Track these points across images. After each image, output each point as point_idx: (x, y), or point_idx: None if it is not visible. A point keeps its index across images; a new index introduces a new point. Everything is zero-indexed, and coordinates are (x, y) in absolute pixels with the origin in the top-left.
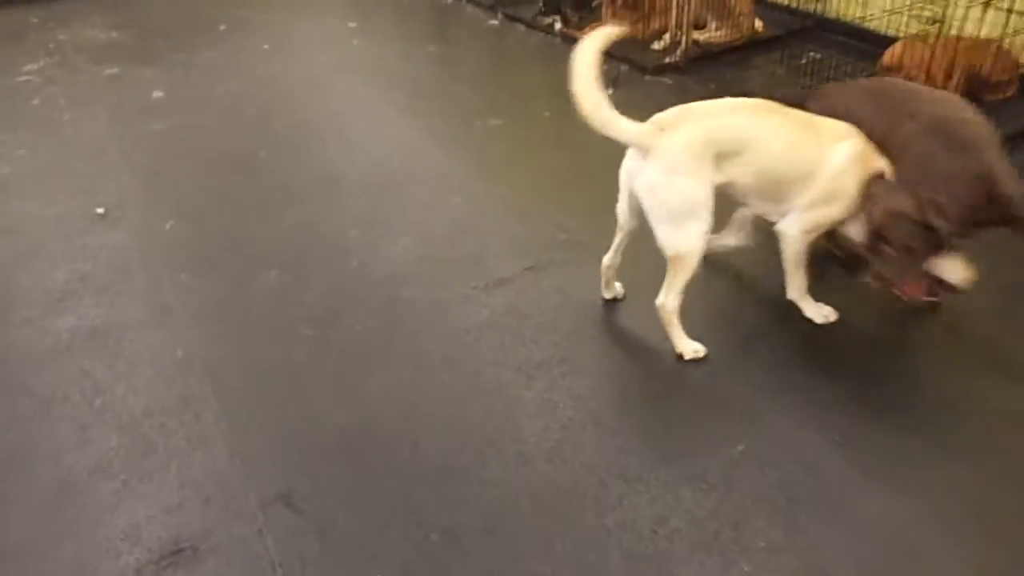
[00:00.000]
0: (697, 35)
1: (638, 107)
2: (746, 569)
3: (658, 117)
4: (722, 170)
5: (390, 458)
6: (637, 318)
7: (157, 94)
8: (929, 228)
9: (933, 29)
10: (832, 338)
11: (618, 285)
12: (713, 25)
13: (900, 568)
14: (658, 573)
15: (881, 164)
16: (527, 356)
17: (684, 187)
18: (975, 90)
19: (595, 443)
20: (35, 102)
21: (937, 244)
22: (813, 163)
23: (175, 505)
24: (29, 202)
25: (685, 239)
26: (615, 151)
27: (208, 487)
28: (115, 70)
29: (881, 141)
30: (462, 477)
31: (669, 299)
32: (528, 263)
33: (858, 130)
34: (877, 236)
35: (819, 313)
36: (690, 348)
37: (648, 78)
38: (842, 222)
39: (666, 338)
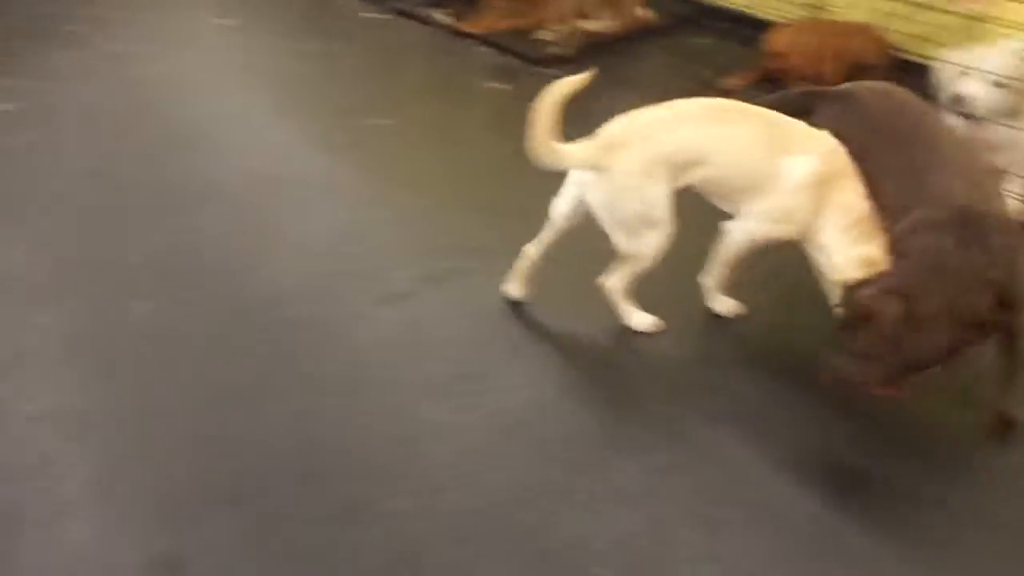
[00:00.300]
0: (584, 25)
1: (529, 100)
2: None
3: (607, 133)
4: (679, 179)
5: (288, 500)
6: (548, 323)
7: (4, 107)
8: (911, 344)
9: (813, 14)
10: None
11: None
12: (601, 14)
13: (831, 569)
14: None
15: (854, 202)
16: (432, 374)
17: (639, 202)
18: (851, 74)
19: (510, 462)
20: None
21: (916, 363)
22: (765, 175)
23: None
24: None
25: (641, 246)
26: (511, 151)
27: (78, 562)
28: None
29: (889, 206)
30: (369, 513)
31: (613, 281)
32: (426, 272)
33: (838, 145)
34: (851, 327)
35: (724, 306)
36: (643, 321)
37: (536, 70)
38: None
39: (580, 343)
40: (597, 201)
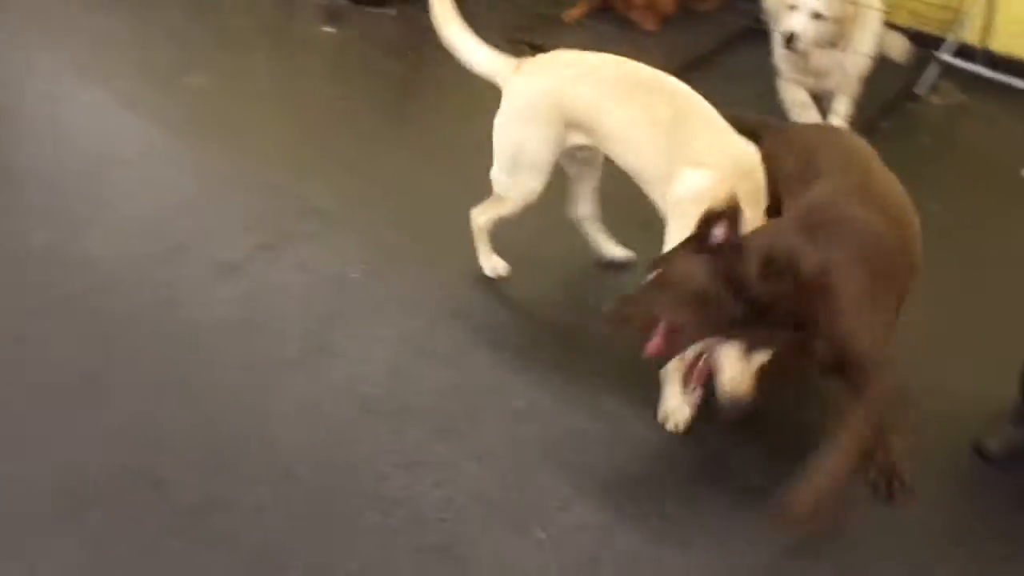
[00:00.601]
0: None
1: (362, 43)
2: (542, 535)
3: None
4: (574, 137)
5: (132, 509)
6: (398, 287)
7: None
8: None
9: None
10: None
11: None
12: None
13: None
14: (453, 562)
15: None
16: (276, 351)
17: (521, 138)
18: (684, 3)
19: (367, 434)
20: None
21: (718, 323)
22: (658, 176)
23: None
24: None
25: (510, 187)
26: (352, 102)
27: None
28: None
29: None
30: (225, 510)
31: (480, 216)
32: (261, 240)
33: (753, 168)
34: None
35: (489, 264)
36: (489, 265)
37: (370, 11)
38: None
39: (433, 305)
40: (495, 122)
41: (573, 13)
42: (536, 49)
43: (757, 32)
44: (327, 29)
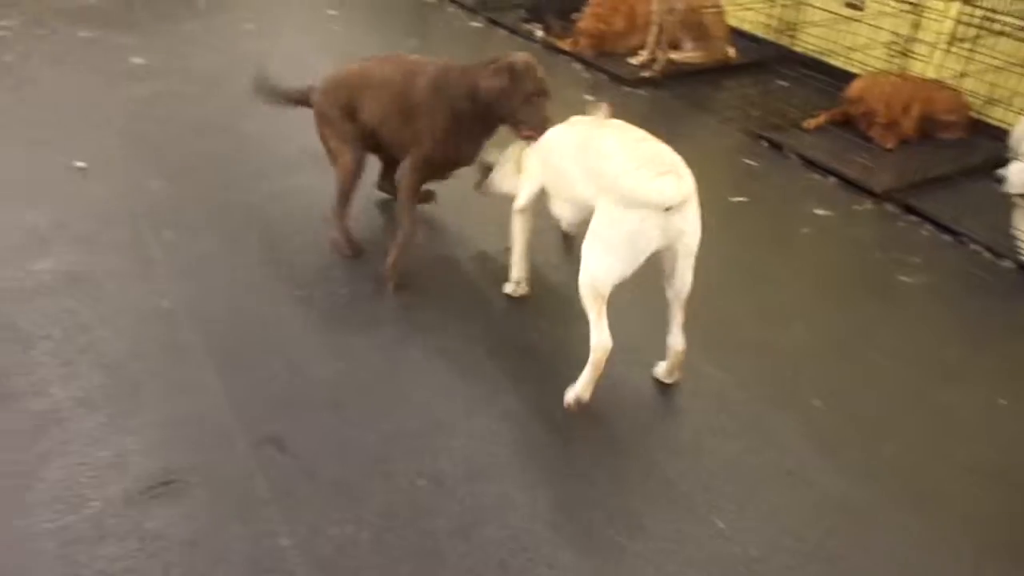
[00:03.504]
0: (673, 54)
1: (616, 115)
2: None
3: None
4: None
5: (374, 413)
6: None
7: (136, 60)
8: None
9: (897, 64)
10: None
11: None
12: (689, 46)
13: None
14: None
15: None
16: None
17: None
18: (928, 128)
19: None
20: (7, 58)
21: None
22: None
23: (163, 441)
24: (6, 152)
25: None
26: None
27: (196, 427)
28: (91, 34)
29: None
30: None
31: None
32: None
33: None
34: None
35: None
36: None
37: (626, 89)
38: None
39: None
40: None
41: (813, 122)
42: (774, 147)
43: (997, 163)
44: (588, 97)
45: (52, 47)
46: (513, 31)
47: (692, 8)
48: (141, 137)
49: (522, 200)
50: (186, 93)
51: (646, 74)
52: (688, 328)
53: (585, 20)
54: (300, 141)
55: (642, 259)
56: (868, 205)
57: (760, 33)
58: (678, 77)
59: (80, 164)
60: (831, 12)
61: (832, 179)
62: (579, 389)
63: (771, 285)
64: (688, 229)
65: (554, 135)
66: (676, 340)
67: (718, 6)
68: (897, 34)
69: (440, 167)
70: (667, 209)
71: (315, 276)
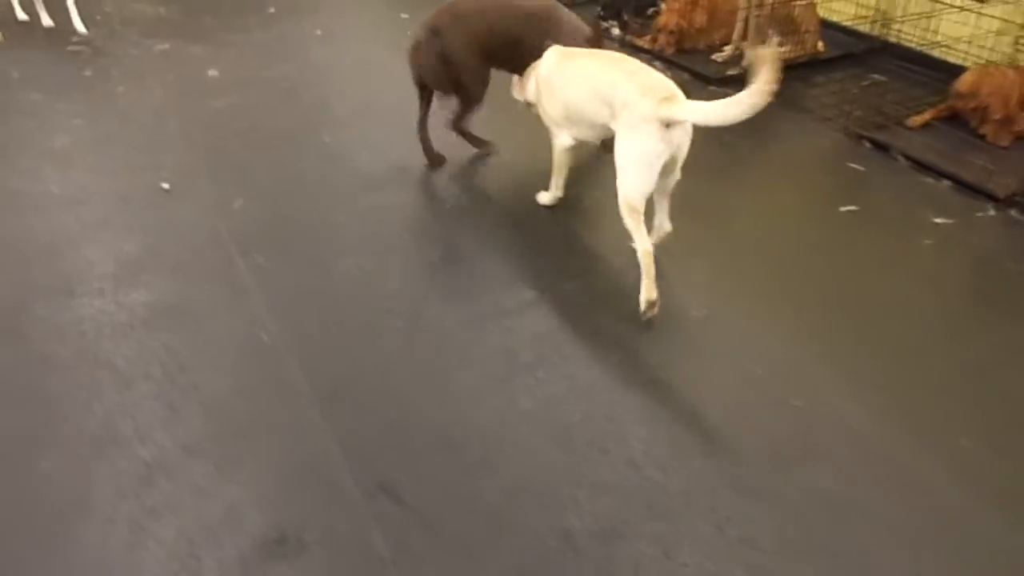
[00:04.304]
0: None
1: None
2: None
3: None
4: None
5: (489, 456)
6: None
7: (212, 72)
8: None
9: (1006, 60)
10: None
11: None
12: (777, 41)
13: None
14: None
15: None
16: None
17: None
18: None
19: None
20: (87, 73)
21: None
22: None
23: (273, 492)
24: (93, 174)
25: None
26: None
27: (306, 475)
28: (166, 46)
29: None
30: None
31: None
32: None
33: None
34: None
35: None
36: None
37: (712, 88)
38: None
39: None
40: None
41: (919, 119)
42: (878, 148)
43: None
44: None
45: (128, 61)
46: None
47: (782, 1)
48: (221, 153)
49: (569, 140)
50: (262, 105)
51: (733, 71)
52: (829, 363)
53: (664, 16)
54: (383, 154)
55: (659, 169)
56: (991, 211)
57: (850, 23)
58: None
59: (165, 185)
60: (944, 3)
61: (946, 182)
62: (645, 293)
63: (900, 309)
64: (686, 140)
65: (554, 72)
66: (665, 223)
67: None
68: (1010, 22)
69: None
70: (669, 126)
71: (414, 305)
